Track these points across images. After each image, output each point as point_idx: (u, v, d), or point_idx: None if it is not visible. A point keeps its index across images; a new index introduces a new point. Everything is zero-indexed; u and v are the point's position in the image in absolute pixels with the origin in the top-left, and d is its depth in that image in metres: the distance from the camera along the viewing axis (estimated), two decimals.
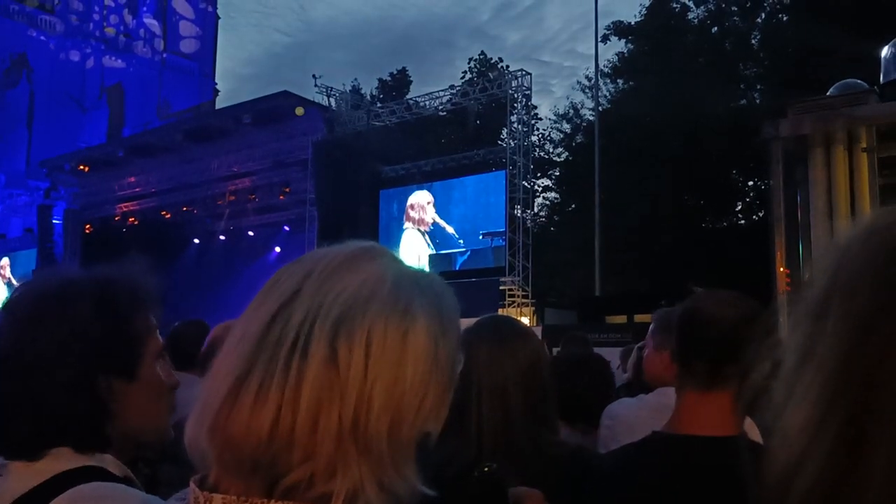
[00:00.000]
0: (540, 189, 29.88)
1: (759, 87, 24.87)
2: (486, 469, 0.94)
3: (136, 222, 23.78)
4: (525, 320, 17.02)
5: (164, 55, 40.85)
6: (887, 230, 0.57)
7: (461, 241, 18.80)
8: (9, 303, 1.32)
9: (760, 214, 22.40)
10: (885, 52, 10.73)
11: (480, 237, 18.45)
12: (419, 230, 19.54)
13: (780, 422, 0.58)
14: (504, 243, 17.74)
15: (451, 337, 0.85)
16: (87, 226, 25.03)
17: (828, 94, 11.03)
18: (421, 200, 19.58)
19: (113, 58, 38.90)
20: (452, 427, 1.98)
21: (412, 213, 19.66)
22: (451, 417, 2.06)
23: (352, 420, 0.75)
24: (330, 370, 0.75)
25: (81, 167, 25.65)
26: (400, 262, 0.87)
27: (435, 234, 19.27)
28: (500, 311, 16.61)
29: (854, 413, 0.52)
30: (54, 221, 26.15)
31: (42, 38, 37.06)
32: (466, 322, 2.13)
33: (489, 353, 1.92)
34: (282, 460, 0.75)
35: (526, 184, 19.04)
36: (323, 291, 0.79)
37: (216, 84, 43.90)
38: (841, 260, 0.59)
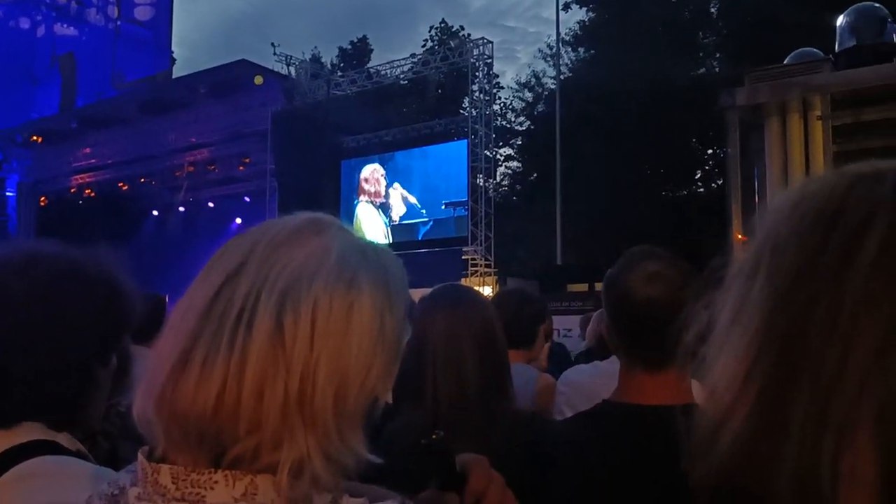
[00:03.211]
0: (502, 158, 29.89)
1: (717, 55, 25.05)
2: (433, 437, 0.95)
3: (92, 195, 23.33)
4: (487, 289, 17.11)
5: (118, 23, 39.77)
6: (816, 196, 0.59)
7: (423, 212, 18.77)
8: (4, 269, 1.28)
9: (719, 182, 22.67)
10: (840, 21, 10.86)
11: (443, 207, 18.43)
12: (373, 203, 19.47)
13: (710, 379, 0.60)
14: (466, 213, 17.76)
15: (397, 309, 0.85)
16: (42, 198, 24.51)
17: (784, 62, 11.16)
18: (374, 174, 19.49)
19: (64, 25, 37.72)
20: (409, 396, 2.01)
21: (366, 187, 19.57)
22: (408, 386, 2.08)
23: (297, 392, 0.76)
24: (275, 343, 0.76)
25: (34, 139, 25.01)
26: (347, 234, 0.87)
27: (391, 207, 19.21)
28: (462, 281, 16.70)
29: (776, 370, 0.55)
30: (7, 194, 25.54)
31: None
32: (426, 292, 2.14)
33: (444, 323, 1.93)
34: (228, 432, 0.76)
35: (488, 153, 19.04)
36: (269, 264, 0.80)
37: (172, 52, 42.92)
38: (772, 222, 0.61)
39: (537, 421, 1.94)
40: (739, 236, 10.78)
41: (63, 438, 1.26)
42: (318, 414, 0.77)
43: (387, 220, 19.28)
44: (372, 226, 19.29)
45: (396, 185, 19.26)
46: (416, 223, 18.89)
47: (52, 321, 1.22)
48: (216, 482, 0.75)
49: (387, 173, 19.43)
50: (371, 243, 0.89)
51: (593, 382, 2.38)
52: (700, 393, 1.77)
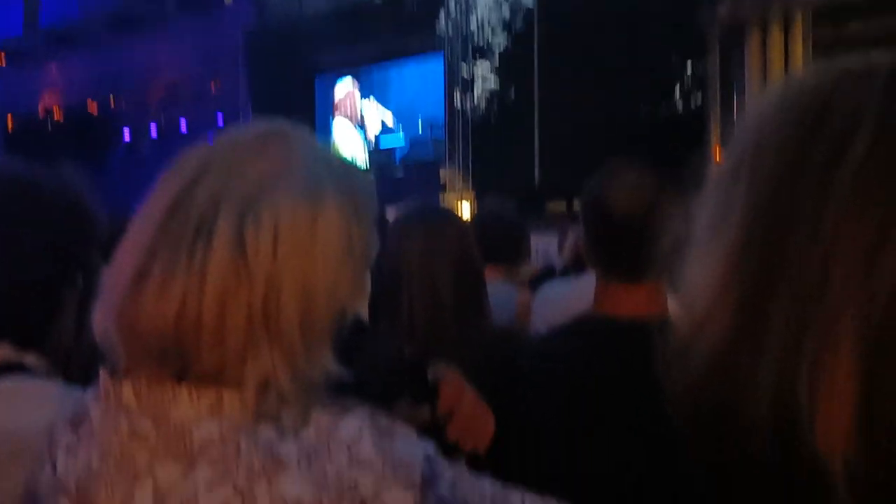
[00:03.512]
0: (479, 77, 29.44)
1: None
2: (405, 355, 0.94)
3: (60, 118, 22.79)
4: (466, 205, 17.09)
5: None
6: (800, 95, 0.56)
7: (401, 135, 18.56)
8: None
9: (699, 100, 22.52)
10: None
11: (420, 126, 18.21)
12: (349, 119, 19.20)
13: (687, 289, 0.59)
14: (443, 131, 17.56)
15: (365, 221, 0.82)
16: (9, 120, 23.92)
17: None
18: (348, 89, 19.15)
19: None
20: (385, 314, 2.01)
21: (340, 104, 19.24)
22: (384, 304, 2.08)
23: (261, 306, 0.73)
24: (236, 256, 0.73)
25: None
26: (311, 143, 0.84)
27: (367, 122, 18.96)
28: (440, 197, 16.64)
29: (755, 279, 0.53)
30: None
31: None
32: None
33: (419, 239, 1.92)
34: (190, 348, 0.73)
35: (465, 72, 18.72)
36: (228, 173, 0.76)
37: None
38: (754, 124, 0.58)
39: (513, 337, 1.95)
40: (718, 153, 10.77)
41: (30, 359, 1.24)
42: (283, 328, 0.75)
43: (365, 140, 19.06)
44: (349, 143, 19.06)
45: (371, 98, 18.95)
46: (392, 140, 18.70)
47: (11, 239, 1.19)
48: (180, 397, 0.74)
49: (362, 89, 19.10)
50: (337, 154, 0.86)
51: (568, 298, 2.38)
52: (676, 305, 1.78)
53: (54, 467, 0.81)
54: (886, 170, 0.48)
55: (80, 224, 1.27)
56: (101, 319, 0.78)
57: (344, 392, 1.00)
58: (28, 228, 1.19)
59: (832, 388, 0.47)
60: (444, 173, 17.66)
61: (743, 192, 0.55)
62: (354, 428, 0.74)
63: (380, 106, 18.79)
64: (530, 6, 20.74)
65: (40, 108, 23.29)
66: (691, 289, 0.57)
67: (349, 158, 0.88)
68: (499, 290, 2.82)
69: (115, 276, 0.77)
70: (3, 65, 23.94)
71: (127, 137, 22.62)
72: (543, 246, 10.33)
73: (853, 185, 0.49)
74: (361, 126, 19.05)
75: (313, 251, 0.76)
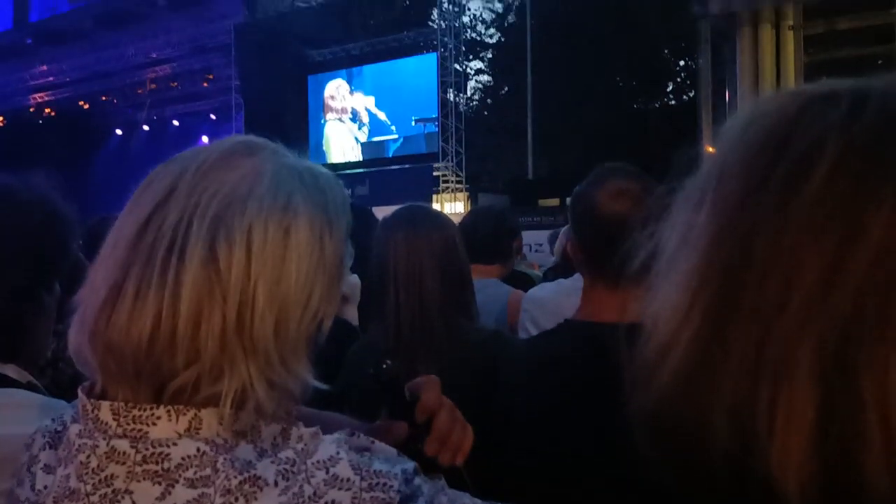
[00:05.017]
0: (472, 72, 29.44)
1: None
2: (383, 366, 0.94)
3: (52, 113, 22.72)
4: (459, 205, 17.10)
5: None
6: (766, 119, 0.56)
7: (393, 128, 18.54)
8: None
9: (691, 94, 22.58)
10: None
11: (413, 123, 18.20)
12: (340, 120, 19.18)
13: (654, 307, 0.59)
14: (437, 129, 17.56)
15: (337, 231, 0.82)
16: (0, 118, 23.84)
17: None
18: (339, 90, 19.15)
19: None
20: (373, 316, 2.00)
21: (332, 104, 19.23)
22: (372, 306, 2.06)
23: (235, 320, 0.73)
24: (209, 271, 0.73)
25: None
26: (281, 156, 0.83)
27: (360, 120, 18.96)
28: (433, 197, 16.66)
29: (717, 301, 0.53)
30: None
31: None
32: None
33: (405, 241, 1.92)
34: (166, 365, 0.73)
35: (458, 67, 18.72)
36: (199, 190, 0.76)
37: None
38: (721, 146, 0.58)
39: (499, 339, 1.95)
40: (709, 148, 10.77)
41: (11, 370, 1.23)
42: (258, 341, 0.74)
43: (356, 137, 19.05)
44: (341, 144, 19.06)
45: (359, 93, 18.93)
46: (385, 140, 18.68)
47: None
48: (158, 417, 0.73)
49: (354, 88, 19.09)
50: (307, 164, 0.85)
51: (557, 300, 2.38)
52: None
53: (33, 485, 0.81)
54: (844, 196, 0.48)
55: (55, 230, 1.27)
56: (77, 335, 0.77)
57: (326, 404, 1.00)
58: (4, 235, 1.19)
59: (789, 413, 0.47)
60: (438, 170, 17.70)
61: (706, 215, 0.56)
62: (332, 446, 0.74)
63: (372, 101, 18.79)
64: (523, 0, 20.74)
65: (31, 105, 23.24)
66: (657, 306, 0.57)
67: (318, 166, 0.87)
68: (490, 288, 2.83)
69: (90, 293, 0.76)
70: None
71: (119, 132, 22.60)
72: (535, 241, 10.36)
73: (812, 210, 0.49)
74: (354, 122, 19.05)
75: (287, 263, 0.76)
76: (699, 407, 0.52)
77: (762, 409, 0.48)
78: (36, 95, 23.45)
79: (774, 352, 0.48)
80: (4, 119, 23.73)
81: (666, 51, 24.62)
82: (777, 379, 0.48)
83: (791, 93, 0.56)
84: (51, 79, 23.23)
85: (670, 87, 26.20)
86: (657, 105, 25.76)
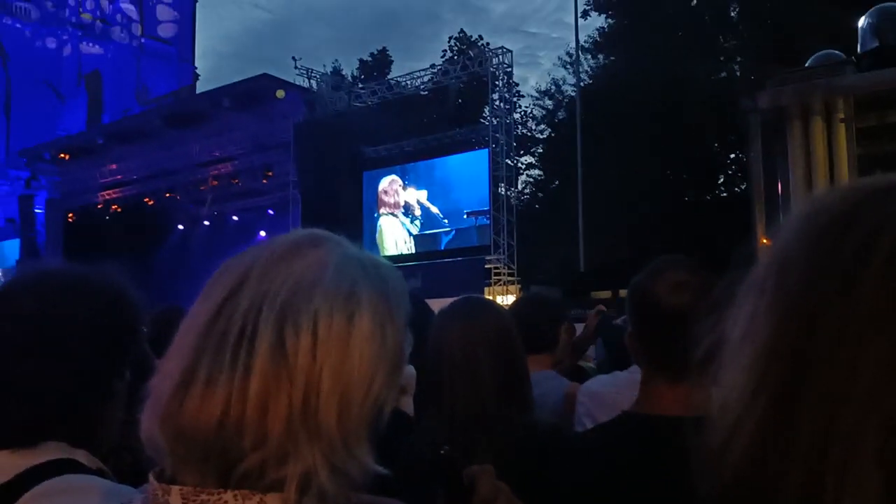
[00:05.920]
0: (523, 166, 29.86)
1: (738, 59, 24.86)
2: (440, 452, 0.95)
3: (118, 210, 23.59)
4: (511, 298, 17.04)
5: (142, 40, 40.35)
6: (827, 209, 0.58)
7: (446, 221, 18.76)
8: (17, 287, 1.31)
9: (743, 187, 22.46)
10: (861, 22, 10.75)
11: (465, 216, 18.41)
12: (393, 214, 19.50)
13: (720, 392, 0.60)
14: (489, 222, 17.72)
15: (398, 319, 0.85)
16: (70, 214, 24.81)
17: (806, 65, 11.06)
18: (392, 185, 19.56)
19: (90, 44, 38.41)
20: (429, 405, 2.00)
21: (385, 199, 19.62)
22: (428, 396, 2.07)
23: (301, 405, 0.76)
24: (277, 358, 0.76)
25: (62, 155, 25.40)
26: (344, 247, 0.87)
27: (413, 213, 19.24)
28: (485, 290, 16.65)
29: (783, 384, 0.54)
30: (36, 211, 25.93)
31: (17, 25, 36.55)
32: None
33: (460, 332, 1.94)
34: (233, 449, 0.76)
35: (509, 161, 19.00)
36: (268, 280, 0.80)
37: (196, 67, 43.45)
38: (783, 236, 0.60)
39: (555, 432, 1.92)
40: (764, 241, 10.67)
41: (82, 456, 1.26)
42: (322, 426, 0.77)
43: (409, 230, 19.30)
44: (395, 237, 19.31)
45: (412, 188, 19.27)
46: (438, 233, 18.89)
47: (61, 334, 1.23)
48: (225, 502, 0.75)
49: (407, 183, 19.47)
50: (369, 255, 0.89)
51: (613, 393, 2.35)
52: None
53: None
54: None
55: (125, 318, 1.32)
56: (148, 421, 0.80)
57: (383, 490, 1.01)
58: (76, 324, 1.24)
59: (858, 489, 0.48)
60: (490, 262, 17.77)
61: (771, 299, 0.57)
62: None
63: (424, 195, 19.12)
64: (573, 97, 21.10)
65: (99, 201, 24.20)
66: (724, 392, 0.59)
67: (379, 257, 0.91)
68: (549, 381, 2.79)
69: (162, 378, 0.80)
70: (67, 159, 25.05)
71: (181, 228, 23.32)
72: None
73: (872, 298, 0.51)
74: (406, 215, 19.36)
75: (350, 350, 0.79)
76: (768, 487, 0.53)
77: (830, 487, 0.49)
78: (104, 193, 24.41)
79: (841, 431, 0.50)
80: (74, 215, 24.68)
81: (716, 144, 24.70)
82: (844, 456, 0.49)
83: (852, 184, 0.59)
84: (119, 177, 24.25)
85: (721, 180, 26.15)
86: (708, 198, 25.68)
